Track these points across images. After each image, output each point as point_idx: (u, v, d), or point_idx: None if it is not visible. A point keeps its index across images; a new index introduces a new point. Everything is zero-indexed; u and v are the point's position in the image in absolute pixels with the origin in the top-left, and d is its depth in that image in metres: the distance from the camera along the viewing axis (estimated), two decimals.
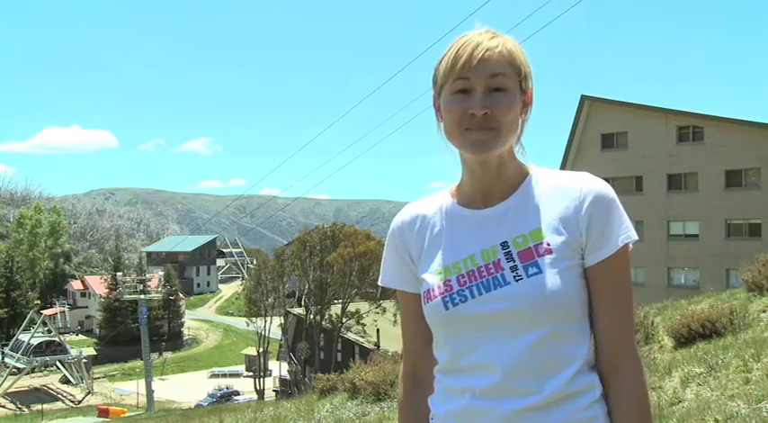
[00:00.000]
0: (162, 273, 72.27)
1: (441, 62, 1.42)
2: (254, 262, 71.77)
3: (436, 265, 1.47)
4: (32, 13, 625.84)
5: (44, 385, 57.47)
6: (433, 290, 1.44)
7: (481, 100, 1.35)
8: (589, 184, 1.41)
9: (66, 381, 57.85)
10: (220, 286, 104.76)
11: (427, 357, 1.53)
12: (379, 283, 1.63)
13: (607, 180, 1.43)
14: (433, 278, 1.46)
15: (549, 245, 1.38)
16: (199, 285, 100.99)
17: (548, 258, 1.37)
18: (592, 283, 1.40)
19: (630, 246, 1.42)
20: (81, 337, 74.39)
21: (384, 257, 1.59)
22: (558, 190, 1.43)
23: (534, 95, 1.46)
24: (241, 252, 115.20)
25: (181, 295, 77.35)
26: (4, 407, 52.47)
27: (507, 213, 1.44)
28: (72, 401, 53.65)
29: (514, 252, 1.39)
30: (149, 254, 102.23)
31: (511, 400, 1.35)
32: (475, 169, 1.45)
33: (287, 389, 42.70)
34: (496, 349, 1.36)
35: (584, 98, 38.10)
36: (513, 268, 1.37)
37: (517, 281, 1.36)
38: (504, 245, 1.41)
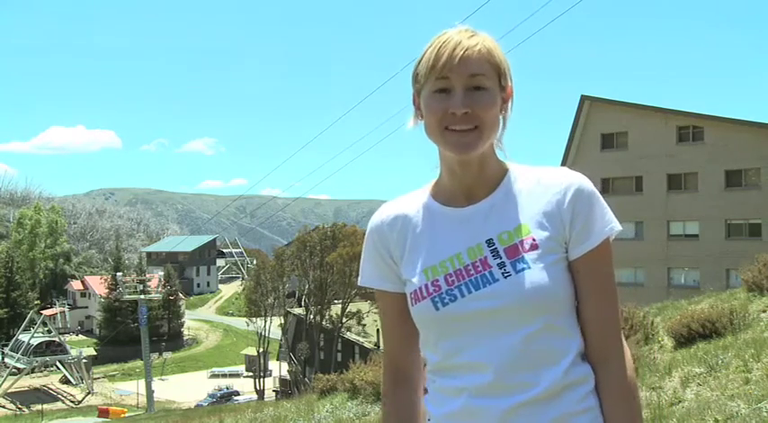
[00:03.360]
0: (162, 273, 72.22)
1: (421, 61, 1.43)
2: (254, 262, 71.82)
3: (422, 265, 1.45)
4: (38, 13, 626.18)
5: (44, 385, 57.44)
6: (420, 290, 1.43)
7: (462, 99, 1.36)
8: (569, 179, 1.42)
9: (66, 381, 57.83)
10: (220, 286, 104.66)
11: (409, 356, 1.53)
12: (358, 284, 1.61)
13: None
14: (419, 278, 1.44)
15: (534, 240, 1.39)
16: (199, 285, 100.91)
17: (534, 254, 1.37)
18: (576, 275, 1.41)
19: (612, 237, 1.42)
20: (81, 337, 74.35)
21: (363, 258, 1.57)
22: (540, 185, 1.44)
23: (513, 91, 1.46)
24: (241, 252, 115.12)
25: (181, 295, 77.25)
26: (4, 407, 52.44)
27: (490, 210, 1.44)
28: (72, 402, 53.63)
29: (500, 249, 1.39)
30: (149, 254, 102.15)
31: (507, 397, 1.35)
32: (455, 169, 1.44)
33: (287, 389, 42.68)
34: (489, 347, 1.36)
35: (584, 98, 38.06)
36: (501, 265, 1.38)
37: (506, 277, 1.36)
38: (490, 242, 1.41)
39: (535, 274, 1.36)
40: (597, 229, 1.40)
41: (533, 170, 1.48)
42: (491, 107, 1.38)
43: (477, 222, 1.43)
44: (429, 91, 1.40)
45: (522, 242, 1.39)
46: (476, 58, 1.37)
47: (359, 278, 1.59)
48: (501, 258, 1.38)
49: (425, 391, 1.52)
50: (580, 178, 1.43)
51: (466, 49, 1.37)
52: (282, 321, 48.02)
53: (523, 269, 1.36)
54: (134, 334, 59.10)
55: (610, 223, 1.41)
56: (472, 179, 1.45)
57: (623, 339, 1.43)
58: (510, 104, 1.46)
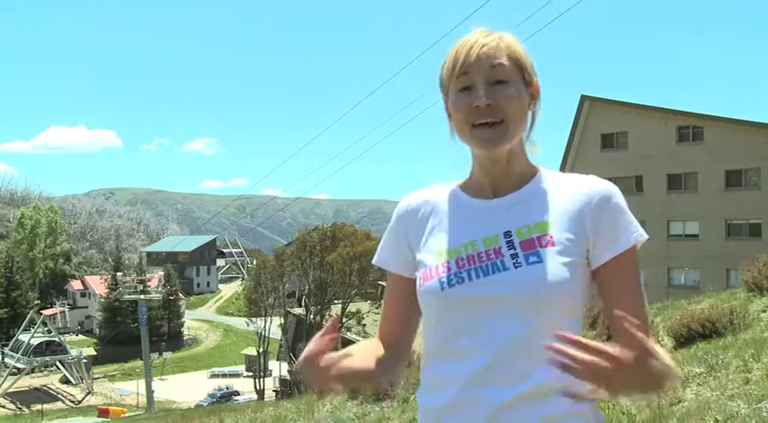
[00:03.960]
0: (162, 273, 72.20)
1: (443, 66, 1.47)
2: (254, 262, 71.87)
3: (436, 248, 1.48)
4: (40, 13, 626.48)
5: (44, 385, 57.42)
6: (430, 270, 1.45)
7: (484, 92, 1.38)
8: (597, 186, 1.44)
9: (66, 381, 57.80)
10: (220, 286, 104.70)
11: (401, 333, 1.56)
12: (372, 263, 1.64)
13: (607, 180, 1.45)
14: (431, 259, 1.47)
15: (552, 238, 1.39)
16: (199, 285, 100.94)
17: (550, 250, 1.38)
18: (605, 280, 1.41)
19: (638, 246, 1.43)
20: (81, 337, 74.33)
21: (383, 239, 1.61)
22: (567, 189, 1.45)
23: (540, 88, 1.48)
24: (241, 252, 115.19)
25: (181, 295, 77.23)
26: (4, 407, 52.43)
27: (514, 205, 1.46)
28: (72, 401, 53.61)
29: (516, 241, 1.41)
30: (149, 254, 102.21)
31: (499, 388, 1.34)
32: (485, 164, 1.48)
33: (287, 389, 42.67)
34: (489, 334, 1.36)
35: (584, 98, 38.09)
36: (514, 256, 1.39)
37: (516, 267, 1.37)
38: (507, 234, 1.42)
39: (547, 268, 1.36)
40: (623, 237, 1.41)
41: (563, 175, 1.50)
42: (515, 99, 1.40)
43: (498, 214, 1.46)
44: (454, 91, 1.43)
45: (539, 238, 1.40)
46: (493, 52, 1.40)
47: (374, 257, 1.62)
48: (515, 250, 1.40)
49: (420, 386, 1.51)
50: (608, 187, 1.44)
51: (483, 46, 1.40)
52: (282, 321, 48.03)
53: (535, 262, 1.37)
54: (134, 334, 59.08)
55: (636, 231, 1.42)
56: (500, 174, 1.47)
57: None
58: (538, 100, 1.48)
